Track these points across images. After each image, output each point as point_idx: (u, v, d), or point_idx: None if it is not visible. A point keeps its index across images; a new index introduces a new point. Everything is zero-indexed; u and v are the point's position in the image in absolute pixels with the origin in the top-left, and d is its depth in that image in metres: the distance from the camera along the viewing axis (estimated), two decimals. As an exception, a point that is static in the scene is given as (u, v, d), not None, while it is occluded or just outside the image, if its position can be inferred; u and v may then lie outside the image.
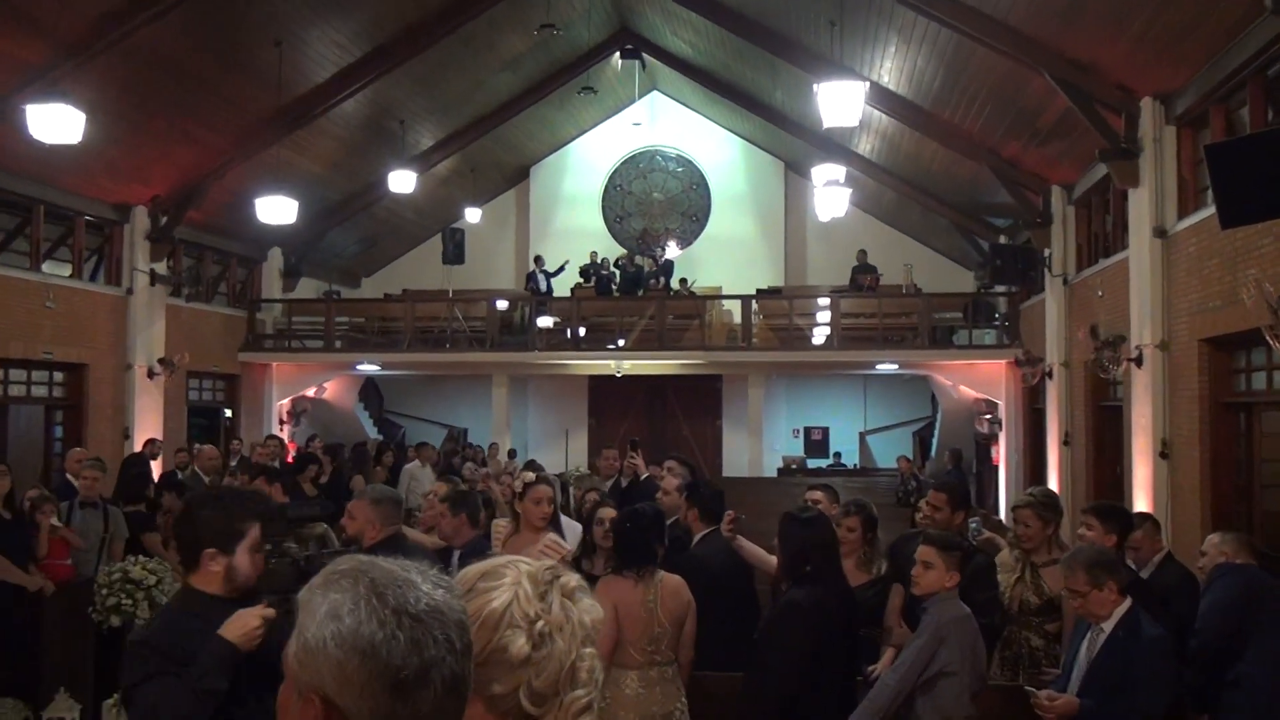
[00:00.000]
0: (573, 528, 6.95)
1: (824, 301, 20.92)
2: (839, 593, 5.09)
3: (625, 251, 23.95)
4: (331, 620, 1.31)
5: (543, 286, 22.05)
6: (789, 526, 5.19)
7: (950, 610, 4.92)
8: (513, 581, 1.69)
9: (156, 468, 14.82)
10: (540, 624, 1.65)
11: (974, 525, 7.17)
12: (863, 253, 21.84)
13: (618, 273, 22.85)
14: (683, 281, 22.56)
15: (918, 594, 5.05)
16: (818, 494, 6.98)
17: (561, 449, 23.19)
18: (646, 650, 5.06)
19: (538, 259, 22.61)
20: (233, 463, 14.71)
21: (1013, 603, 5.93)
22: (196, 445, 14.47)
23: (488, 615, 1.64)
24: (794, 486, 16.48)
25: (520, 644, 1.63)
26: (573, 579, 1.75)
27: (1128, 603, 4.94)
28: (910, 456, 20.89)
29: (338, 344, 21.34)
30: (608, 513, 6.13)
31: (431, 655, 1.31)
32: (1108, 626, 4.91)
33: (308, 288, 22.54)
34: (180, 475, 12.79)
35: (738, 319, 21.03)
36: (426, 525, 7.87)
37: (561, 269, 22.27)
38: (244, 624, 3.24)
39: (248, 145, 16.59)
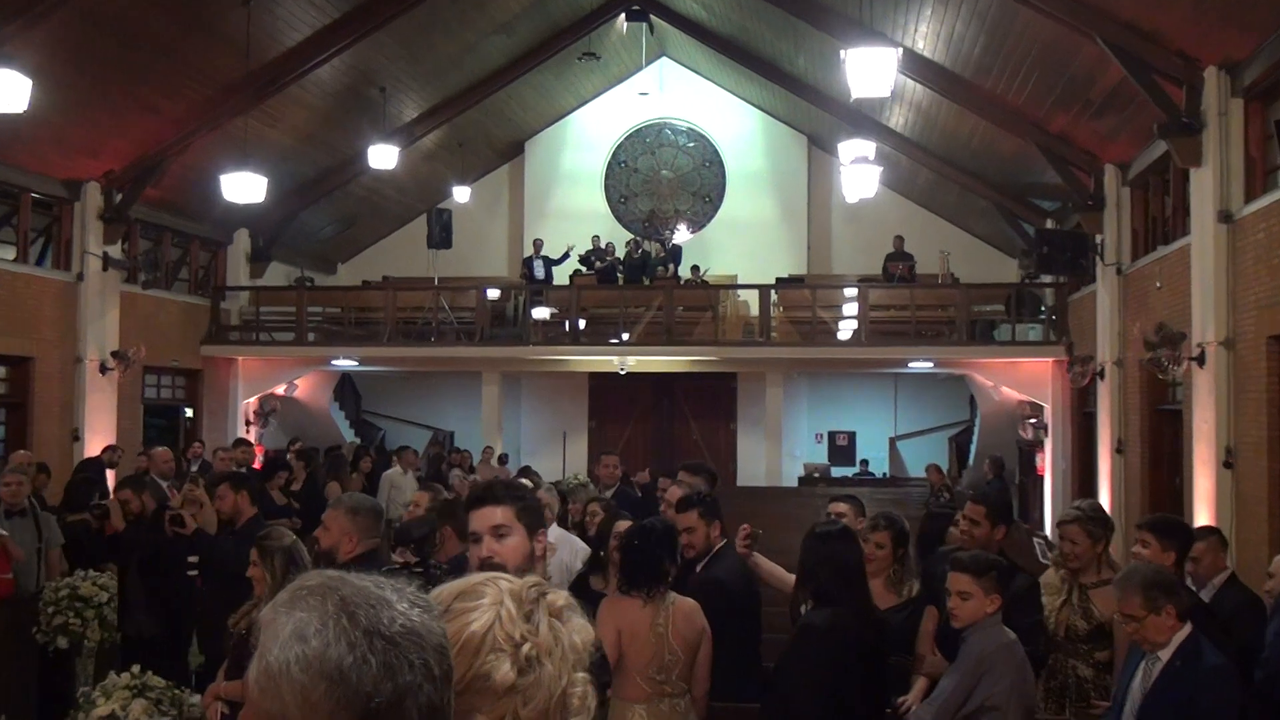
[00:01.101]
0: (570, 542, 6.95)
1: (851, 292, 20.88)
2: (862, 616, 5.08)
3: (630, 236, 23.94)
4: (296, 642, 1.31)
5: (540, 274, 22.05)
6: (808, 542, 5.19)
7: (992, 637, 4.90)
8: (493, 601, 1.68)
9: (113, 478, 14.80)
10: (526, 647, 1.65)
11: (1040, 544, 7.14)
12: (899, 239, 21.79)
13: (622, 259, 22.84)
14: (694, 269, 22.56)
15: (958, 626, 5.03)
16: (842, 506, 6.96)
17: (558, 454, 23.19)
18: (655, 680, 5.05)
19: (537, 243, 22.61)
20: (193, 467, 14.70)
21: (1058, 628, 5.91)
22: (150, 449, 14.43)
23: (467, 639, 1.63)
24: (816, 498, 16.46)
25: (505, 670, 1.62)
26: (560, 596, 1.74)
27: (1187, 628, 4.91)
28: (943, 465, 20.89)
29: (311, 337, 21.35)
30: (626, 525, 6.17)
31: (406, 681, 1.31)
32: (1164, 655, 4.89)
33: (278, 274, 22.55)
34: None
35: (755, 311, 21.02)
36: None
37: (566, 255, 22.26)
38: None
39: (212, 115, 16.59)
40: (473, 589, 1.71)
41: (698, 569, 6.11)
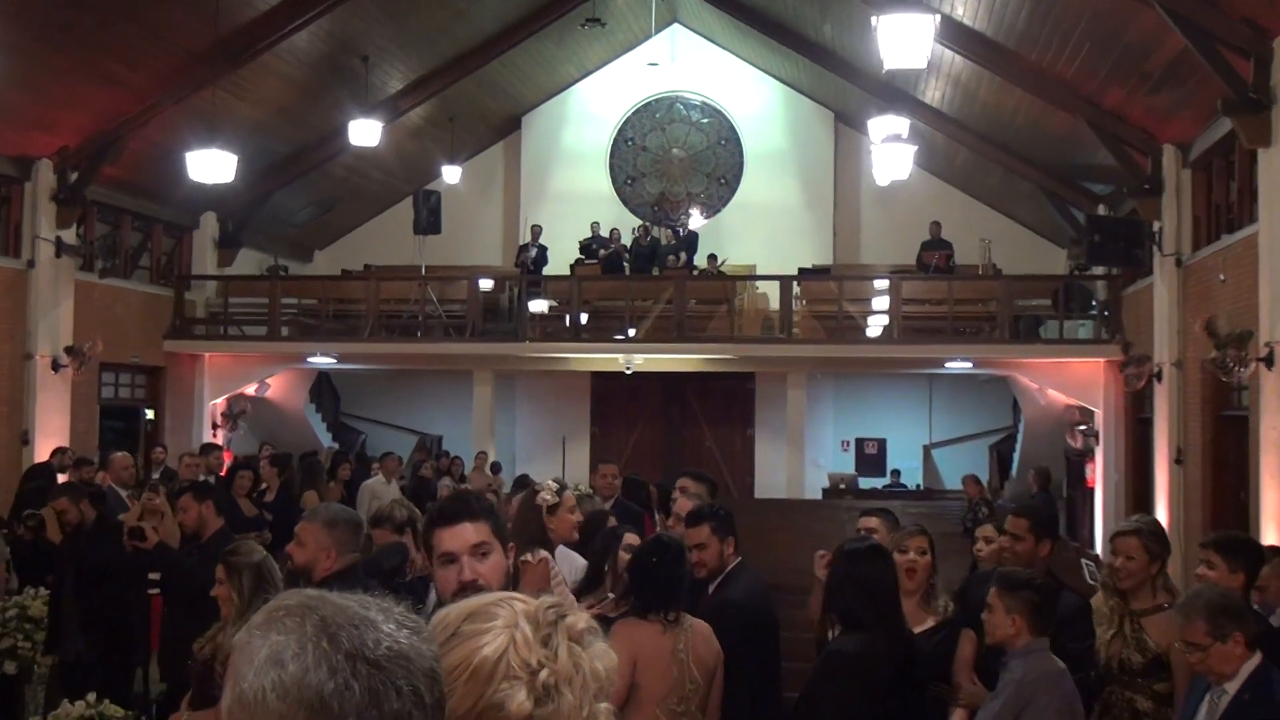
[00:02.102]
0: (570, 558, 6.94)
1: (882, 284, 20.89)
2: (897, 641, 5.07)
3: (638, 221, 23.96)
4: (272, 667, 1.31)
5: (531, 261, 21.97)
6: (838, 560, 5.18)
7: (1038, 665, 4.88)
8: (507, 623, 1.69)
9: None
10: (544, 674, 1.65)
11: (1089, 565, 7.11)
12: (935, 225, 21.77)
13: (629, 247, 22.83)
14: (711, 259, 22.53)
15: (991, 644, 5.05)
16: (873, 521, 6.94)
17: (557, 461, 23.17)
18: (675, 712, 5.05)
19: (535, 230, 22.59)
20: (154, 474, 14.71)
21: (1110, 663, 5.86)
22: (108, 454, 14.45)
23: (479, 665, 1.64)
24: (842, 511, 16.46)
25: (520, 699, 1.63)
26: (581, 619, 1.74)
27: (1257, 658, 4.89)
28: (983, 476, 20.83)
29: (285, 331, 21.39)
30: (635, 539, 6.15)
31: (393, 709, 1.30)
32: (1232, 687, 4.86)
33: (248, 262, 22.59)
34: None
35: (775, 304, 21.02)
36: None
37: (544, 255, 22.16)
38: None
39: (176, 86, 16.60)
40: (484, 610, 1.71)
41: (709, 590, 6.08)
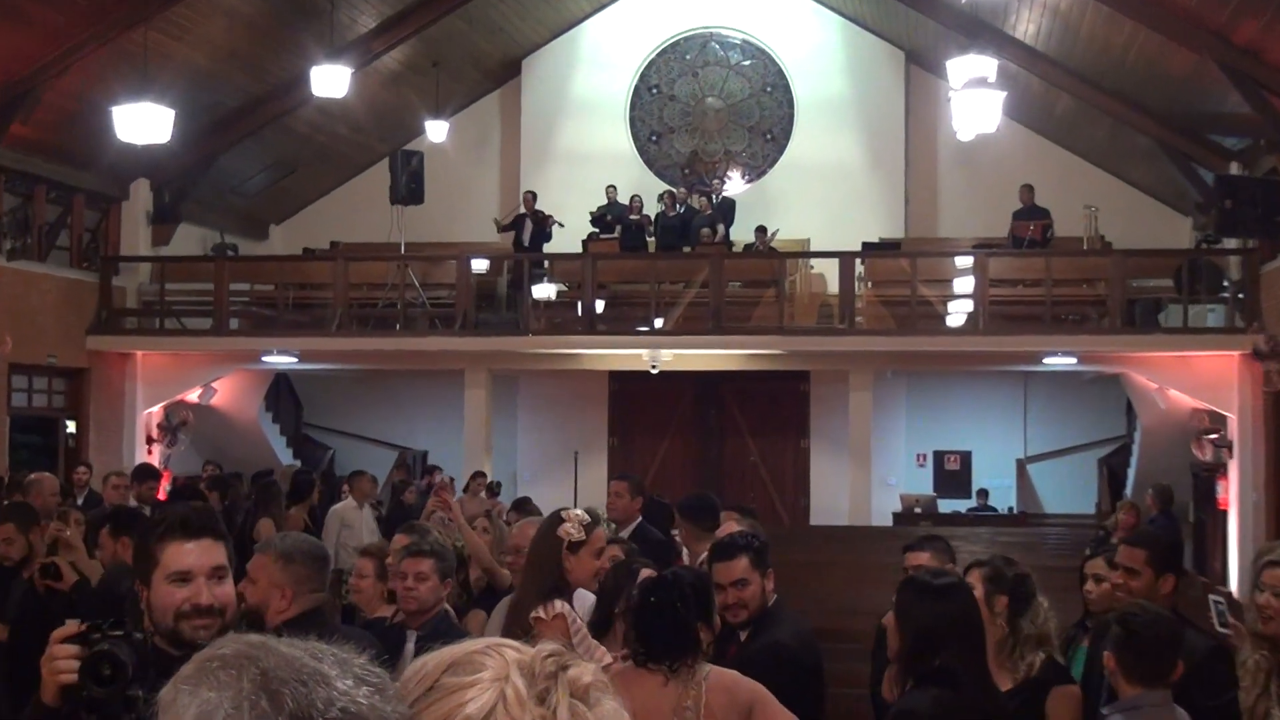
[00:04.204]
0: (582, 598, 6.94)
1: (964, 262, 20.83)
2: (983, 701, 5.05)
3: (665, 187, 23.94)
4: (202, 730, 1.31)
5: (525, 238, 21.92)
6: (910, 597, 5.15)
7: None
8: (496, 675, 1.68)
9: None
10: None
11: (1219, 605, 7.02)
12: (1029, 189, 21.69)
13: (654, 218, 22.80)
14: (758, 232, 22.49)
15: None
16: (923, 556, 6.94)
17: (568, 481, 23.17)
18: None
19: (528, 198, 22.54)
20: (79, 499, 14.72)
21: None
22: (28, 476, 14.41)
23: None
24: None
25: (510, 769, 1.63)
26: (586, 671, 1.74)
27: None
28: (1090, 495, 20.76)
29: (234, 324, 21.44)
30: (651, 574, 6.15)
31: (347, 786, 1.30)
32: None
33: (189, 240, 22.66)
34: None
35: (834, 288, 20.99)
36: (362, 600, 7.86)
37: (547, 227, 22.09)
38: None
39: (100, 27, 16.65)
40: (468, 659, 1.70)
41: (742, 636, 6.07)
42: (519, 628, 5.85)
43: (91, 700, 3.43)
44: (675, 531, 11.00)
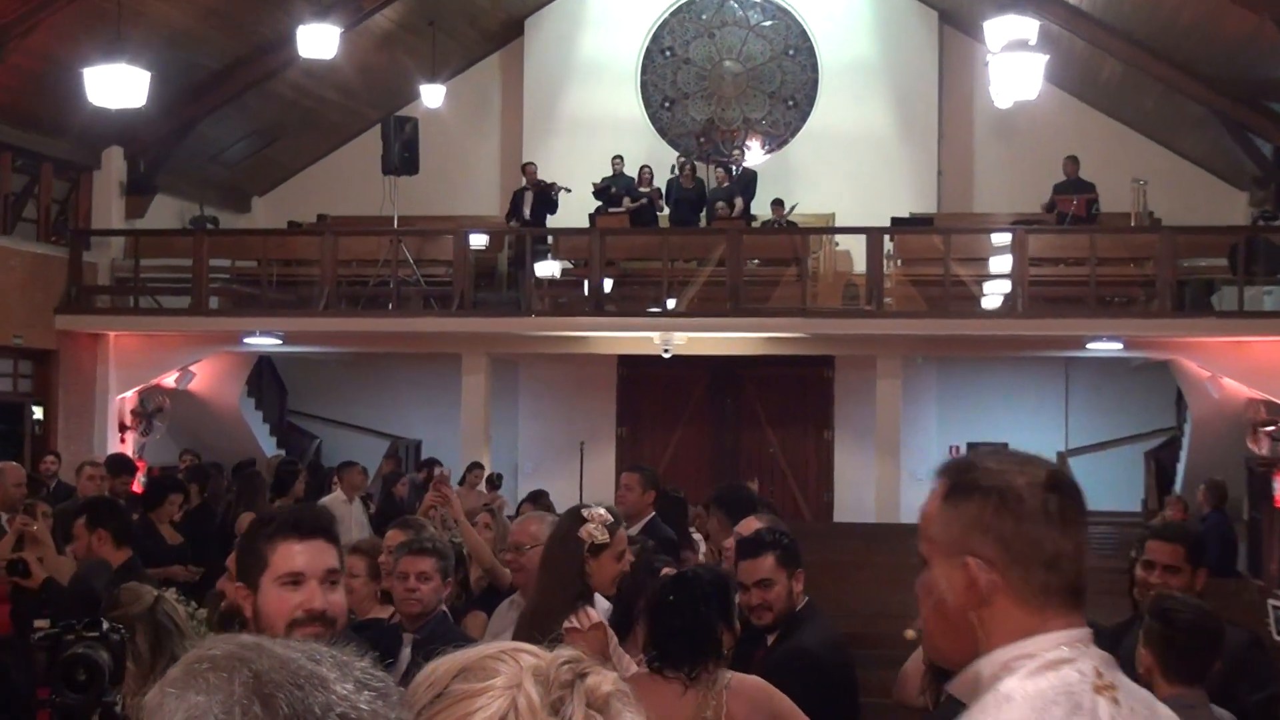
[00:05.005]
0: (597, 603, 6.95)
1: (1002, 239, 20.82)
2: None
3: (678, 157, 23.92)
4: (190, 737, 1.32)
5: (526, 210, 21.89)
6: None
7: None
8: (509, 683, 1.68)
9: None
10: None
11: (1278, 612, 7.04)
12: (1071, 160, 21.67)
13: (666, 191, 22.78)
14: (776, 205, 22.49)
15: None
16: None
17: (573, 475, 23.19)
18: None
19: (530, 170, 22.53)
20: (48, 488, 14.73)
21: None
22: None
23: None
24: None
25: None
26: (606, 679, 1.74)
27: None
28: (1137, 491, 20.73)
29: (214, 303, 21.44)
30: (672, 573, 6.14)
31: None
32: None
33: (165, 212, 22.68)
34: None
35: (860, 266, 21.00)
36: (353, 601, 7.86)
37: (551, 194, 22.07)
38: None
39: (71, -19, 16.65)
40: (480, 665, 1.72)
41: (769, 640, 6.07)
42: (540, 636, 5.82)
43: (65, 708, 3.39)
44: (692, 529, 11.01)
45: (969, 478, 2.58)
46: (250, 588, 3.86)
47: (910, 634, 6.06)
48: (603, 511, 6.21)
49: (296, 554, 3.76)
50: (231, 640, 1.44)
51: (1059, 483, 2.56)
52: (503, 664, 1.71)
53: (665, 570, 6.30)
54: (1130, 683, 2.57)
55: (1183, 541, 6.30)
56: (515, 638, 6.26)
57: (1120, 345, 20.18)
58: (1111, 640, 6.28)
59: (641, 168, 23.03)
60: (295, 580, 3.74)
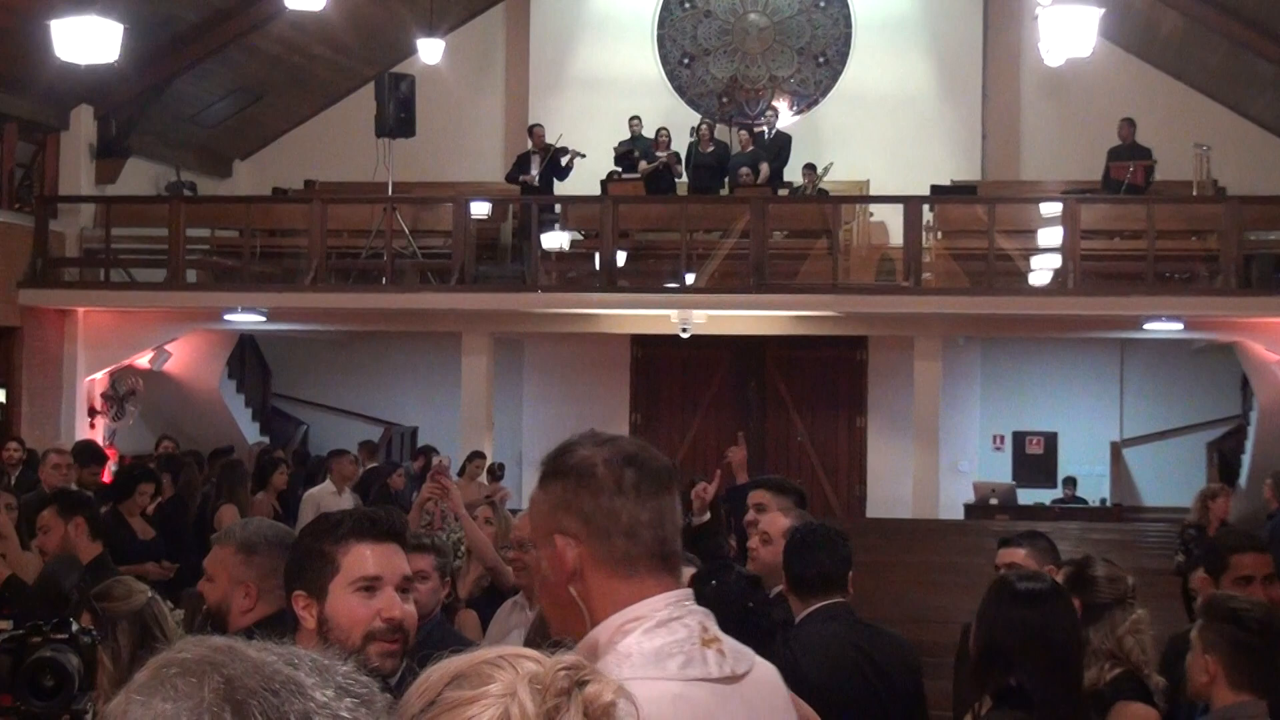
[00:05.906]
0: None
1: (1052, 209, 20.81)
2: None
3: (699, 119, 23.96)
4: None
5: (535, 177, 21.89)
6: (989, 600, 5.16)
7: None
8: (505, 690, 1.71)
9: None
10: None
11: None
12: (1127, 124, 21.66)
13: (685, 156, 22.79)
14: (807, 171, 22.49)
15: (1189, 699, 5.22)
16: (1019, 553, 6.88)
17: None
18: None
19: (537, 132, 22.55)
20: (9, 478, 14.84)
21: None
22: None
23: None
24: (993, 537, 16.36)
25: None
26: (607, 687, 1.77)
27: None
28: (1199, 483, 20.65)
29: (192, 276, 21.49)
30: (690, 572, 6.12)
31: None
32: None
33: (139, 177, 22.75)
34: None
35: (897, 239, 21.03)
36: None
37: (561, 160, 22.09)
38: None
39: (37, -76, 16.66)
40: (476, 671, 1.73)
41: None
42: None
43: (30, 717, 3.36)
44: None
45: (558, 462, 3.01)
46: (314, 595, 3.84)
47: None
48: None
49: (371, 557, 3.76)
50: (202, 643, 1.45)
51: (635, 457, 2.99)
52: (500, 670, 1.73)
53: (686, 570, 6.28)
54: (730, 638, 3.09)
55: (1272, 550, 6.30)
56: (532, 643, 6.26)
57: (1180, 326, 20.17)
58: (1172, 653, 6.28)
59: (659, 130, 22.98)
60: (369, 586, 3.74)
